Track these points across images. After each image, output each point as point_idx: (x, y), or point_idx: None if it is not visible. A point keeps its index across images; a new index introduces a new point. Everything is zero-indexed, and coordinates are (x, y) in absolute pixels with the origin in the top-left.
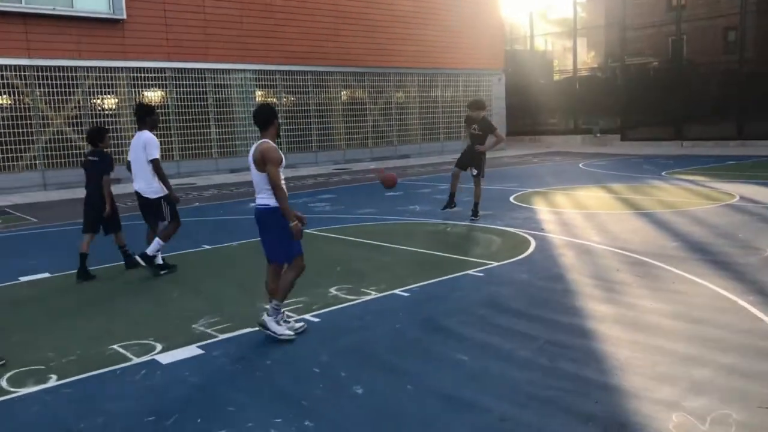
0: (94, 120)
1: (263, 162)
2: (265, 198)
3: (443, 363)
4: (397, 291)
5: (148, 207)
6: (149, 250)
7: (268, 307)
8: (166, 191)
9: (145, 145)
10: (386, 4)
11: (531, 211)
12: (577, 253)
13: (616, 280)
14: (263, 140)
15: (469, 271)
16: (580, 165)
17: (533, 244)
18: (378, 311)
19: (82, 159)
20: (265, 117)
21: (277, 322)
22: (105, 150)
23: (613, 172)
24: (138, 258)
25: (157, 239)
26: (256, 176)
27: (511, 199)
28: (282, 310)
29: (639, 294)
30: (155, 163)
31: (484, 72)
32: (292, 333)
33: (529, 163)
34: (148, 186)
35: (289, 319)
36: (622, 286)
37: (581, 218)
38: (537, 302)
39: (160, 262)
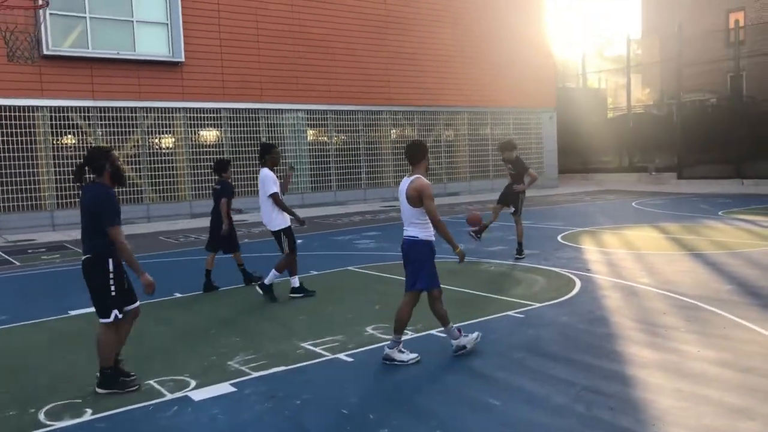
0: (152, 158)
1: (419, 198)
2: (413, 230)
3: (474, 407)
4: (433, 331)
5: (274, 238)
6: (266, 280)
7: (447, 335)
8: (285, 224)
9: (262, 181)
10: (435, 43)
11: (578, 250)
12: (624, 295)
13: (662, 324)
14: (416, 176)
15: (509, 312)
16: (633, 204)
17: (578, 285)
18: (413, 352)
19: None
20: (417, 152)
21: (459, 338)
22: (228, 179)
23: (667, 211)
24: (257, 288)
25: (273, 270)
26: (407, 210)
27: (559, 238)
28: (453, 327)
29: (686, 339)
30: (274, 198)
31: (535, 110)
32: (471, 344)
33: (581, 202)
34: (269, 219)
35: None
36: (668, 331)
37: (630, 259)
38: (577, 346)
39: (296, 285)
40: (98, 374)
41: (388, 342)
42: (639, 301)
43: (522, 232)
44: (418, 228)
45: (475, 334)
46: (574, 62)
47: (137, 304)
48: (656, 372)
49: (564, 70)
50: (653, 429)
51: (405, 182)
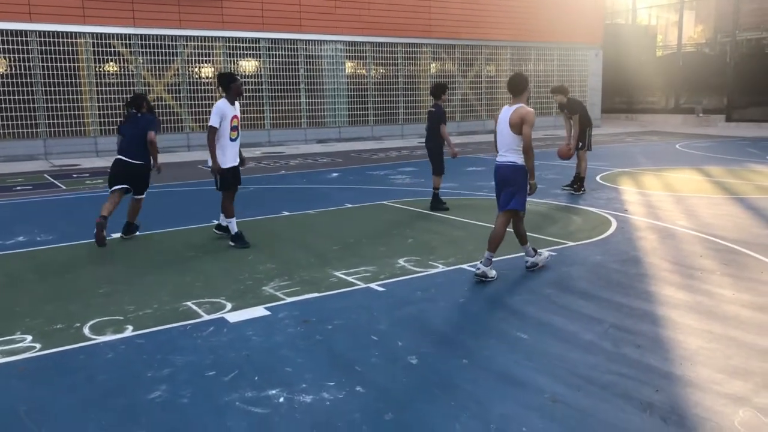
0: (192, 87)
1: (521, 123)
2: (512, 156)
3: (502, 340)
4: (464, 266)
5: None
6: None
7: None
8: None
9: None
10: None
11: (617, 191)
12: (660, 237)
13: (697, 267)
14: (520, 104)
15: (542, 250)
16: (677, 146)
17: (614, 225)
18: (443, 284)
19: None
20: (519, 84)
21: (534, 257)
22: (442, 104)
23: (713, 154)
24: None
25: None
26: (507, 136)
27: (598, 178)
28: (530, 246)
29: (721, 282)
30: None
31: (580, 46)
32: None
33: (623, 142)
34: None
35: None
36: (703, 273)
37: (670, 201)
38: (608, 285)
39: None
40: None
41: (482, 260)
42: (675, 243)
43: (586, 168)
44: (518, 154)
45: (546, 253)
46: None
47: None
48: (688, 313)
49: (613, 6)
50: (680, 368)
51: (507, 110)
